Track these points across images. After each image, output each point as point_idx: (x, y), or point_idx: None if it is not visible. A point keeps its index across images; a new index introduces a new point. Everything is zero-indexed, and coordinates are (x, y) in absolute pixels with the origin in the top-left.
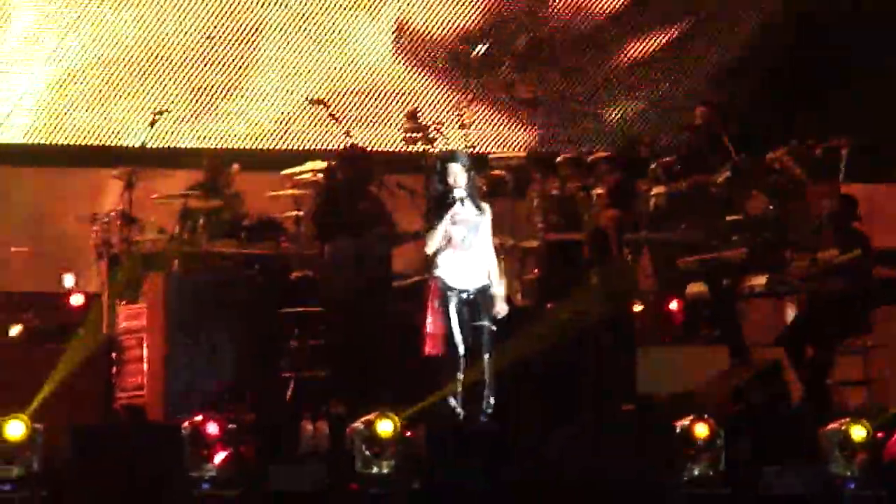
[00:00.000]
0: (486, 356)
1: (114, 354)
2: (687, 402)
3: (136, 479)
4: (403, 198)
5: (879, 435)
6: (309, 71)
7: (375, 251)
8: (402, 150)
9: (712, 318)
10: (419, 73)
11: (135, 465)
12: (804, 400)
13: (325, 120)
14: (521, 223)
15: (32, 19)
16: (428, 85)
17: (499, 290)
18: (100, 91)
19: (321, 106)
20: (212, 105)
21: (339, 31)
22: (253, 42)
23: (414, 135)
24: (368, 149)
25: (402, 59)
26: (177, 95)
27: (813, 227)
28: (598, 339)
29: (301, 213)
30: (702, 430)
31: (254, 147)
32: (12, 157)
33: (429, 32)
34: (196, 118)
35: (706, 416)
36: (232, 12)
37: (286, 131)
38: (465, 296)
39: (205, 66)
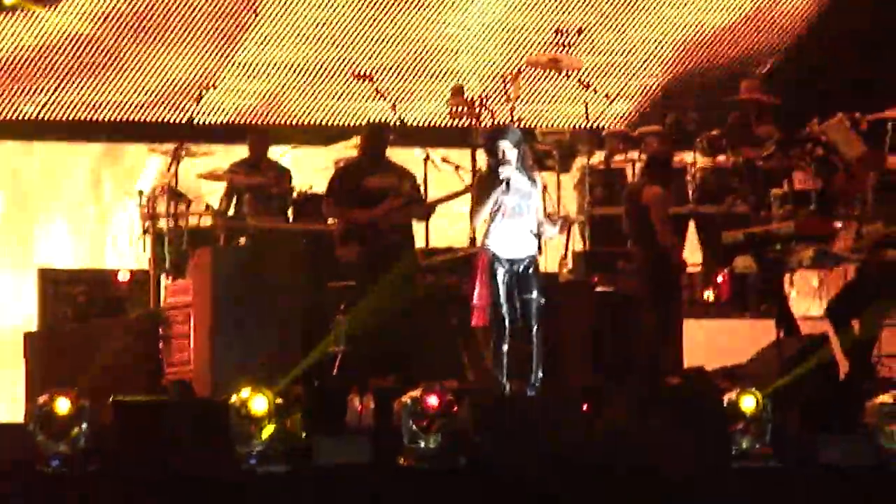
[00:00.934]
0: (535, 329)
1: (161, 330)
2: (734, 375)
3: (182, 455)
4: (449, 172)
5: None
6: (355, 46)
7: (388, 223)
8: (448, 124)
9: (759, 292)
10: (465, 48)
11: (181, 441)
12: (851, 372)
13: (371, 95)
14: (567, 197)
15: None
16: (474, 59)
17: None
18: (145, 65)
19: (367, 81)
20: (258, 80)
21: (385, 6)
22: (298, 16)
23: (460, 109)
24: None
25: (448, 33)
26: (222, 70)
27: (858, 199)
28: (644, 312)
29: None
30: (749, 403)
31: (300, 122)
32: (58, 132)
33: (474, 6)
34: (242, 93)
35: (753, 388)
36: None
37: (332, 107)
38: (514, 267)
39: (250, 40)
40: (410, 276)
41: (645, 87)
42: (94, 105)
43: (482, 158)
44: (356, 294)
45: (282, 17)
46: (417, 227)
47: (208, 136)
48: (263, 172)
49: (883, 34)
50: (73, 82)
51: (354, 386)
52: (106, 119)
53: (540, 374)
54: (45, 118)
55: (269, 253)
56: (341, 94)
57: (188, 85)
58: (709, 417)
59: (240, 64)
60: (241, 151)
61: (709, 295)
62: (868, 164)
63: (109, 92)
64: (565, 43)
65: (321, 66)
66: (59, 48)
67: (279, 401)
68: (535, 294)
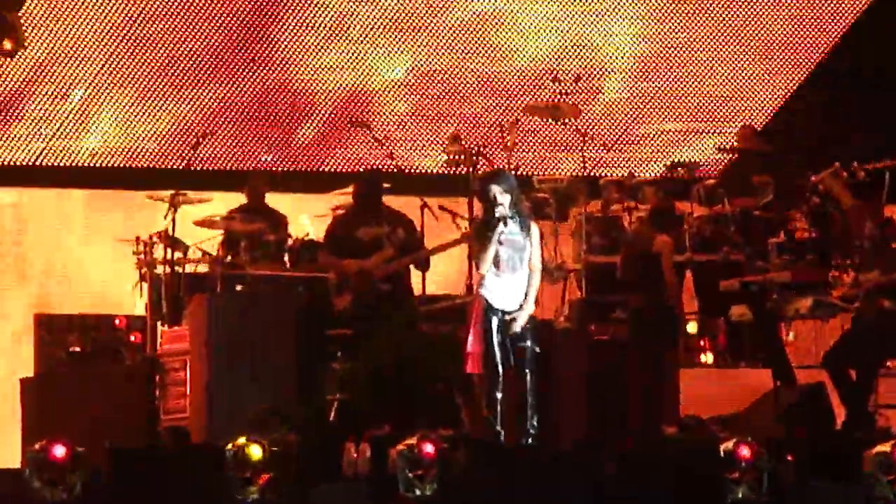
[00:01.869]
0: (529, 376)
1: (157, 377)
2: (730, 424)
3: (178, 503)
4: (447, 221)
5: None
6: (352, 93)
7: (380, 273)
8: (446, 172)
9: (756, 341)
10: (462, 96)
11: (177, 488)
12: (848, 422)
13: (368, 142)
14: (564, 245)
15: (76, 40)
16: (471, 107)
17: (528, 304)
18: (141, 113)
19: (364, 128)
20: (253, 128)
21: (380, 54)
22: (293, 65)
23: (457, 157)
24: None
25: (445, 81)
26: (219, 118)
27: (855, 249)
28: (641, 360)
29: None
30: (745, 453)
31: (296, 169)
32: (55, 179)
33: (472, 55)
34: (239, 141)
35: (749, 438)
36: (271, 36)
37: (329, 154)
38: (507, 316)
39: (247, 88)
40: (406, 325)
41: (642, 136)
42: (91, 152)
43: (479, 207)
44: (352, 342)
45: (279, 64)
46: (415, 275)
47: (205, 183)
48: (260, 219)
49: (884, 81)
50: (70, 129)
51: (350, 434)
52: (103, 165)
53: (535, 423)
54: (42, 164)
55: (265, 300)
56: (339, 142)
57: (185, 132)
58: (705, 466)
59: (237, 111)
60: (237, 198)
61: (705, 344)
62: (864, 214)
63: (106, 138)
64: (563, 91)
65: (318, 114)
66: (55, 94)
67: (275, 448)
68: (529, 342)
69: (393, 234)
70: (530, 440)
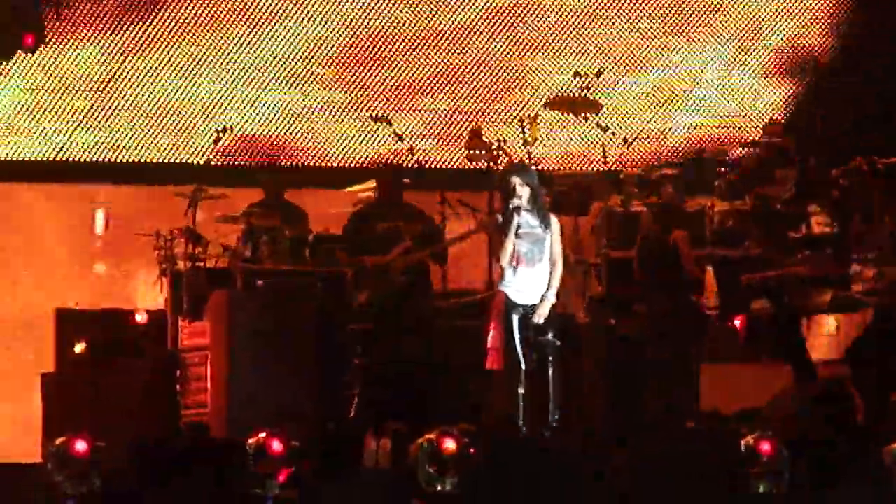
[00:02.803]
0: (551, 371)
1: (178, 372)
2: (751, 419)
3: (199, 497)
4: (466, 215)
5: None
6: (372, 88)
7: (399, 267)
8: (466, 167)
9: (777, 335)
10: (483, 91)
11: (197, 483)
12: (869, 418)
13: (389, 137)
14: (585, 240)
15: (95, 38)
16: (491, 102)
17: (549, 296)
18: (162, 108)
19: (385, 123)
20: (274, 123)
21: (403, 48)
22: (314, 59)
23: (477, 152)
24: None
25: (466, 76)
26: (240, 113)
27: (877, 243)
28: (661, 355)
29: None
30: (766, 448)
31: (317, 164)
32: (74, 174)
33: (493, 49)
34: (258, 136)
35: (771, 432)
36: (293, 31)
37: (350, 149)
38: (528, 311)
39: (267, 83)
40: (426, 320)
41: (663, 131)
42: (111, 147)
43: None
44: (372, 337)
45: (299, 58)
46: (437, 270)
47: (226, 179)
48: (280, 215)
49: None
50: (90, 124)
51: (370, 428)
52: (124, 160)
53: (556, 417)
54: (62, 160)
55: (285, 296)
56: (359, 137)
57: (205, 127)
58: (726, 461)
59: (257, 106)
60: (258, 194)
61: (726, 338)
62: (886, 207)
63: (126, 134)
64: (584, 86)
65: (339, 108)
66: (75, 90)
67: (295, 443)
68: (550, 336)
69: (413, 228)
70: (552, 434)
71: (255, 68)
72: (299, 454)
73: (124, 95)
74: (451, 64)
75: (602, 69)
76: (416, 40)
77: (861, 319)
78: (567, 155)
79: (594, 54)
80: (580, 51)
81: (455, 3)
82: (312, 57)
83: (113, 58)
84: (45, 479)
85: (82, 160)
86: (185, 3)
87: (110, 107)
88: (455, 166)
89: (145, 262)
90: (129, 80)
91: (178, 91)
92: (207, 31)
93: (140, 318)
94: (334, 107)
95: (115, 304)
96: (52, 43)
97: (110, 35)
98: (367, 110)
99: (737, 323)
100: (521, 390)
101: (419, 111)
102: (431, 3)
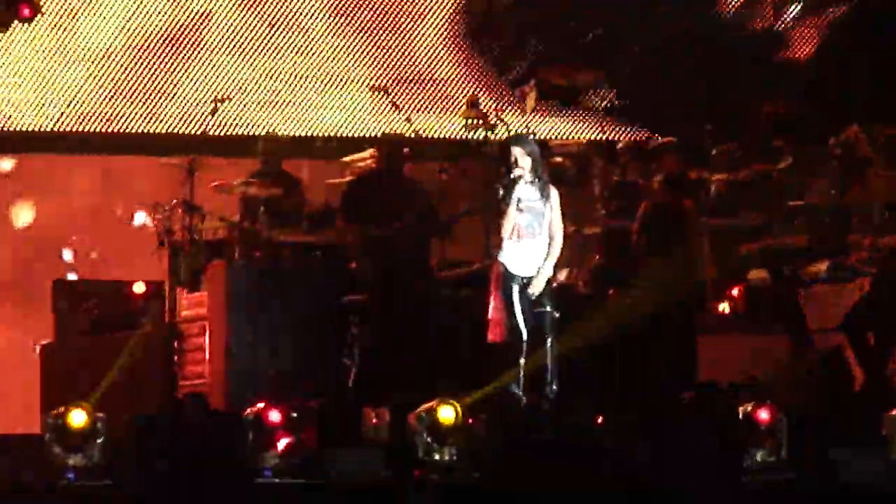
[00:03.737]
0: (549, 343)
1: (176, 343)
2: (749, 389)
3: (197, 468)
4: (464, 185)
5: None
6: (369, 58)
7: (405, 238)
8: (463, 137)
9: (774, 305)
10: (479, 60)
11: (196, 454)
12: (866, 385)
13: (386, 107)
14: (582, 210)
15: (91, 9)
16: (488, 72)
17: (546, 268)
18: (160, 78)
19: (382, 93)
20: (271, 92)
21: (399, 18)
22: (311, 29)
23: (475, 122)
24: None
25: (463, 45)
26: (236, 83)
27: (874, 212)
28: (658, 326)
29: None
30: (764, 416)
31: (314, 134)
32: (72, 145)
33: (491, 19)
34: (256, 106)
35: (768, 402)
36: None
37: (346, 119)
38: (527, 282)
39: (264, 53)
40: (426, 291)
41: (660, 101)
42: (108, 117)
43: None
44: (371, 308)
45: (296, 29)
46: (434, 242)
47: (222, 149)
48: (278, 184)
49: None
50: (87, 95)
51: (369, 399)
52: (121, 131)
53: (555, 388)
54: (59, 130)
55: (284, 266)
56: (356, 107)
57: (202, 97)
58: (723, 431)
59: (254, 76)
60: (255, 164)
61: (723, 308)
62: (884, 177)
63: (123, 105)
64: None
65: (336, 78)
66: (73, 61)
67: (294, 413)
68: (549, 307)
69: (414, 199)
70: (550, 405)
71: (252, 38)
72: (298, 425)
73: (121, 66)
74: (448, 34)
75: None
76: (411, 9)
77: (858, 288)
78: (564, 125)
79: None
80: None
81: None
82: (310, 26)
83: (110, 29)
84: (44, 451)
85: (79, 131)
86: None
87: (107, 79)
88: (453, 136)
89: (143, 233)
90: (126, 51)
91: (174, 62)
92: (203, 1)
93: (138, 289)
94: (332, 77)
95: (114, 276)
96: (48, 14)
97: (107, 6)
98: (364, 80)
99: (734, 293)
100: (521, 361)
101: (416, 81)
102: None
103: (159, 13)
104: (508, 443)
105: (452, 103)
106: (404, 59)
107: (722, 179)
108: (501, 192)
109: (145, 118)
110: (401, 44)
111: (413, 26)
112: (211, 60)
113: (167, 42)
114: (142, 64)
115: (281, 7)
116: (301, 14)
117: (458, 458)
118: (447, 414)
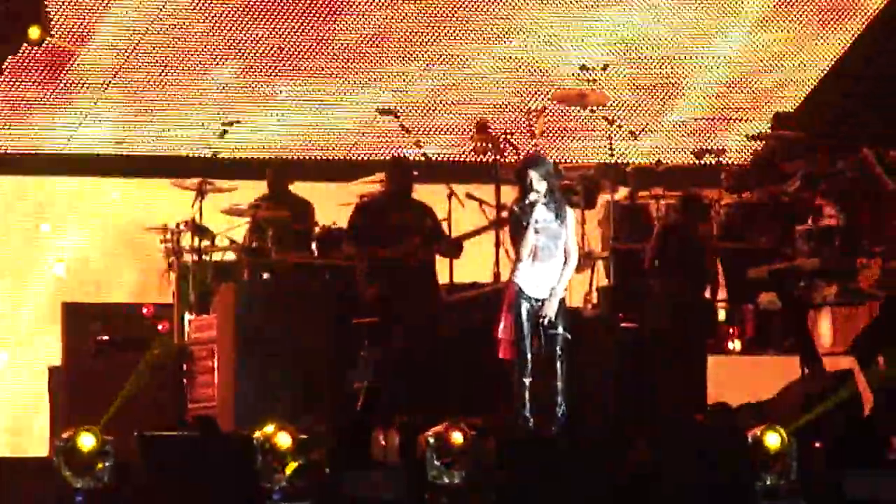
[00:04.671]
0: (559, 364)
1: (185, 365)
2: (758, 411)
3: (207, 491)
4: (474, 208)
5: None
6: (379, 81)
7: (414, 261)
8: (473, 160)
9: (784, 328)
10: (490, 83)
11: (206, 476)
12: (876, 409)
13: (395, 130)
14: (592, 232)
15: (101, 31)
16: (499, 95)
17: (559, 290)
18: (169, 102)
19: (392, 116)
20: (282, 115)
21: (409, 41)
22: (322, 52)
23: (485, 145)
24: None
25: (473, 69)
26: (247, 106)
27: (884, 235)
28: (668, 348)
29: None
30: (774, 440)
31: (324, 157)
32: (82, 168)
33: (500, 42)
34: (266, 129)
35: (778, 425)
36: (301, 24)
37: (357, 142)
38: (539, 303)
39: (275, 76)
40: (434, 313)
41: (670, 124)
42: (118, 140)
43: (507, 194)
44: (380, 330)
45: (306, 52)
46: (441, 263)
47: (232, 172)
48: (286, 207)
49: None
50: (98, 118)
51: (379, 422)
52: (130, 154)
53: (564, 410)
54: (69, 154)
55: (292, 288)
56: (365, 130)
57: (212, 120)
58: (733, 454)
59: (263, 100)
60: (264, 186)
61: (733, 331)
62: (893, 199)
63: (133, 127)
64: (590, 79)
65: (345, 101)
66: (82, 84)
67: (303, 436)
68: (560, 329)
69: (421, 222)
70: (560, 428)
71: (262, 62)
72: (308, 447)
73: (131, 89)
74: (458, 55)
75: (608, 62)
76: (421, 33)
77: (867, 312)
78: (574, 148)
79: (601, 47)
80: (587, 43)
81: None
82: (318, 50)
83: (119, 51)
84: (53, 474)
85: (89, 154)
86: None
87: (116, 101)
88: (462, 159)
89: (153, 256)
90: (136, 75)
91: (184, 84)
92: (214, 26)
93: (147, 311)
94: (341, 100)
95: (123, 298)
96: (58, 36)
97: (116, 28)
98: (373, 103)
99: (744, 315)
100: (528, 382)
101: (426, 104)
102: None
103: (168, 36)
104: (518, 464)
105: (462, 126)
106: (414, 83)
107: (731, 202)
108: (518, 214)
109: (156, 141)
110: (411, 67)
111: (423, 49)
112: (220, 83)
113: (176, 65)
114: (150, 87)
115: (292, 31)
116: (310, 39)
117: (467, 481)
118: (457, 436)
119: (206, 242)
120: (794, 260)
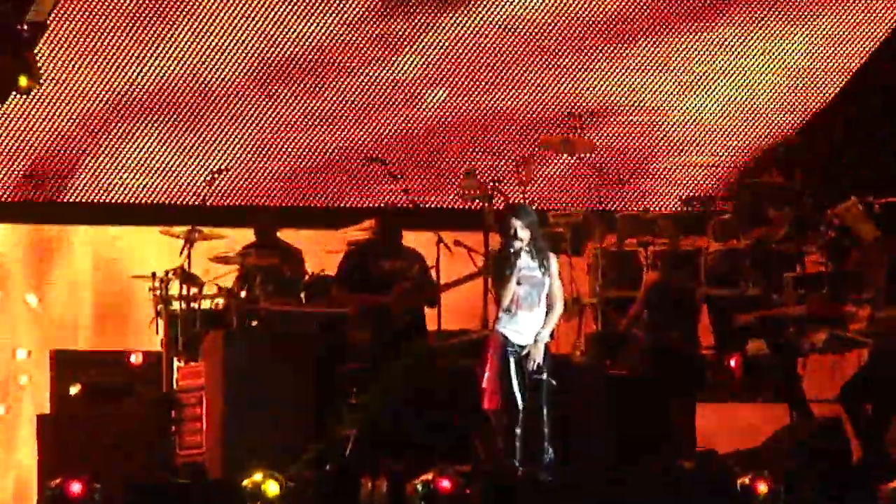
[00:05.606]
0: (545, 410)
1: (173, 412)
2: (747, 458)
3: None
4: (462, 255)
5: None
6: (367, 129)
7: (402, 308)
8: (461, 206)
9: (772, 375)
10: (477, 131)
11: None
12: (864, 457)
13: (383, 178)
14: (580, 279)
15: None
16: (486, 142)
17: (543, 336)
18: (156, 149)
19: (379, 164)
20: (269, 163)
21: (397, 89)
22: (309, 100)
23: (472, 192)
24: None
25: (461, 116)
26: (235, 154)
27: (871, 282)
28: (656, 396)
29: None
30: (762, 487)
31: (312, 205)
32: (70, 215)
33: (487, 90)
34: (255, 176)
35: (766, 472)
36: (288, 71)
37: (345, 189)
38: (525, 351)
39: (263, 124)
40: (423, 360)
41: (657, 170)
42: (106, 188)
43: (495, 241)
44: (368, 377)
45: (294, 100)
46: (430, 311)
47: (221, 219)
48: (275, 255)
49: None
50: (85, 166)
51: (367, 468)
52: (118, 202)
53: (551, 455)
54: (56, 201)
55: (281, 336)
56: (353, 178)
57: (200, 168)
58: (721, 501)
59: (252, 147)
60: (252, 234)
61: (721, 378)
62: (882, 247)
63: (121, 175)
64: (578, 126)
65: (333, 149)
66: (70, 133)
67: (291, 484)
68: (545, 376)
69: (410, 269)
70: (547, 475)
71: (248, 110)
72: (296, 495)
73: (118, 137)
74: (445, 104)
75: (596, 109)
76: (410, 80)
77: (856, 359)
78: (561, 195)
79: (588, 94)
80: (574, 90)
81: (449, 43)
82: (306, 101)
83: (106, 100)
84: None
85: (77, 201)
86: (179, 42)
87: (105, 149)
88: (450, 206)
89: (140, 304)
90: (124, 122)
91: (172, 132)
92: (200, 74)
93: (135, 359)
94: (328, 148)
95: (111, 346)
96: (46, 84)
97: (103, 77)
98: (362, 151)
99: (731, 363)
100: (517, 430)
101: (413, 152)
102: (424, 44)
103: (155, 84)
104: None
105: (450, 173)
106: (402, 130)
107: (718, 249)
108: (500, 263)
109: (143, 189)
110: (399, 114)
111: (414, 98)
112: (209, 131)
113: (164, 112)
114: (138, 134)
115: (280, 79)
116: (297, 88)
117: None
118: (445, 484)
119: (194, 290)
120: (782, 307)
